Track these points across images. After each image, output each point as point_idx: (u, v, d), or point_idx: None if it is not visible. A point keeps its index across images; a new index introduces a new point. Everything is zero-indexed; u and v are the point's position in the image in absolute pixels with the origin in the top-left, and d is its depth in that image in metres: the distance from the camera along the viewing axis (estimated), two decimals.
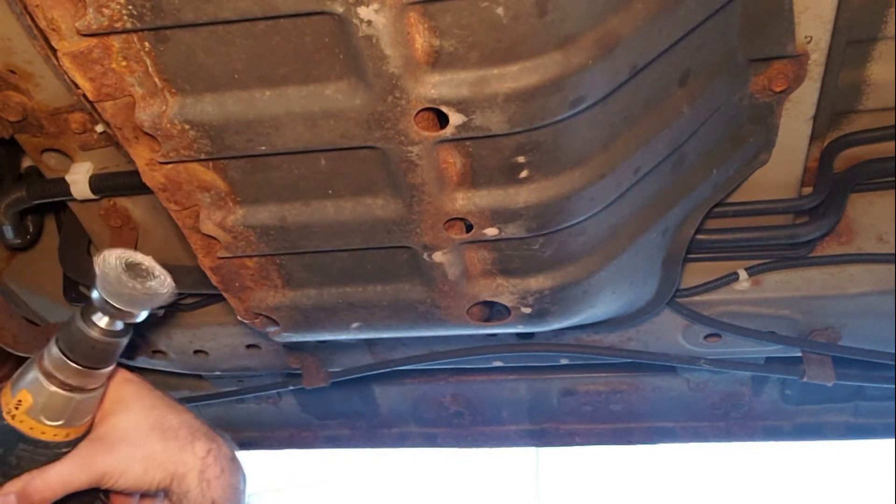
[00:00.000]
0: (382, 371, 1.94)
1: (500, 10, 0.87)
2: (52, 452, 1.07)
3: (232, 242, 1.19)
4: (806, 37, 1.24)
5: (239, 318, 1.37)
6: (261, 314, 1.36)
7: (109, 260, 0.98)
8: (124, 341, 1.05)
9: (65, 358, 1.02)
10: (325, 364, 1.97)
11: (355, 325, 1.36)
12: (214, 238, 1.19)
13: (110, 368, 1.07)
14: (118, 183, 1.56)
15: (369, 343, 1.92)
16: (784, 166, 1.45)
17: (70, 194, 1.58)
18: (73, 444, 1.09)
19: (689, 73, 1.17)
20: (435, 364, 1.88)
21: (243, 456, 1.18)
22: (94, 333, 1.01)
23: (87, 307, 1.02)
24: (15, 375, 1.07)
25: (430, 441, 2.47)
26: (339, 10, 0.87)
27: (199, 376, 2.16)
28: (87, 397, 1.06)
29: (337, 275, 1.27)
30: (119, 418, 1.11)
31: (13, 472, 1.07)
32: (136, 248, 1.81)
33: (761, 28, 1.23)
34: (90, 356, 1.03)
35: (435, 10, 0.88)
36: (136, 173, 1.13)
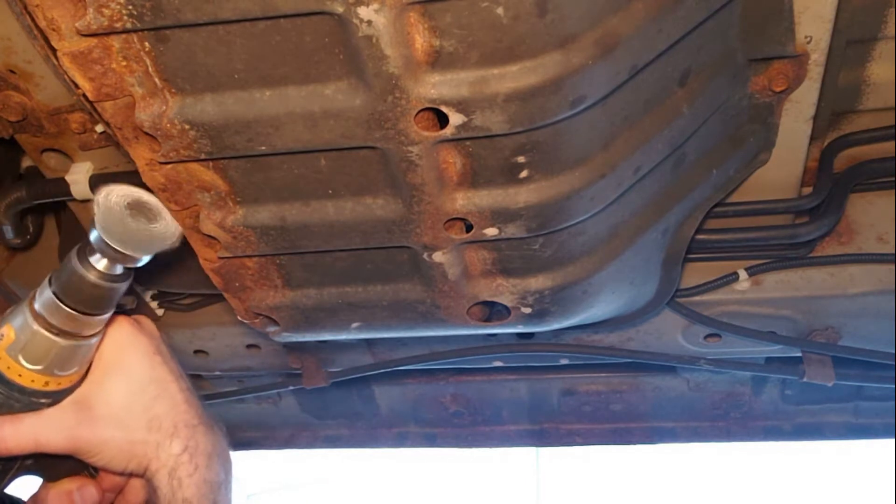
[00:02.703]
0: (382, 371, 1.94)
1: (500, 10, 0.87)
2: (28, 400, 0.99)
3: (232, 242, 1.19)
4: (806, 37, 1.24)
5: (239, 318, 1.37)
6: (261, 314, 1.36)
7: (112, 197, 0.91)
8: (123, 287, 0.97)
9: (55, 298, 0.95)
10: (325, 364, 1.97)
11: (355, 325, 1.36)
12: (214, 238, 1.19)
13: (105, 316, 0.99)
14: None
15: (369, 343, 1.92)
16: (784, 166, 1.45)
17: (70, 194, 1.58)
18: (53, 397, 1.01)
19: (689, 73, 1.17)
20: (435, 364, 1.88)
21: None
22: (91, 276, 0.93)
23: (85, 247, 0.94)
24: (8, 310, 1.00)
25: (430, 441, 2.46)
26: (339, 10, 0.87)
27: (199, 376, 2.16)
28: (76, 345, 0.98)
29: (337, 275, 1.27)
30: (113, 387, 1.05)
31: None
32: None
33: (761, 28, 1.23)
34: (83, 300, 0.95)
35: (435, 10, 0.88)
36: (136, 173, 1.13)
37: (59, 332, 0.96)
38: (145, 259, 0.95)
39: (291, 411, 2.47)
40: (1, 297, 1.83)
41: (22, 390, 0.98)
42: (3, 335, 0.97)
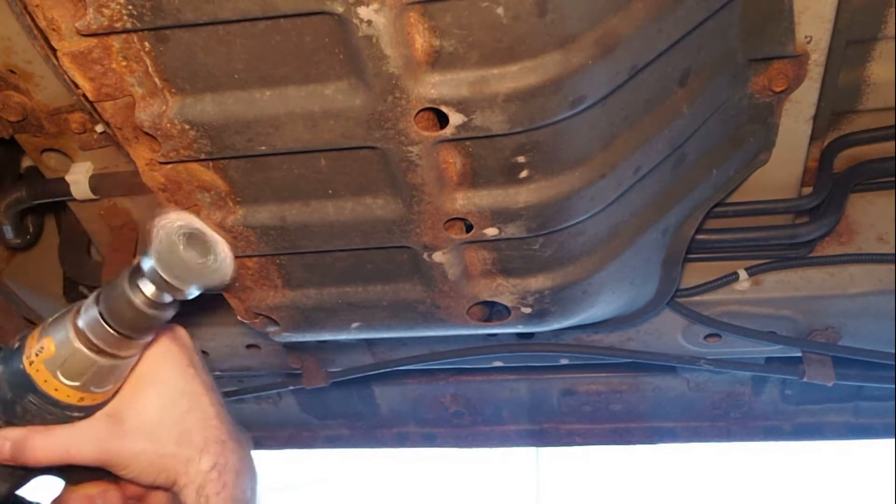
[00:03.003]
0: (382, 371, 1.94)
1: (500, 10, 0.87)
2: (61, 413, 0.99)
3: (232, 242, 1.19)
4: (806, 37, 1.24)
5: (239, 318, 1.37)
6: (261, 314, 1.35)
7: (169, 227, 0.90)
8: (168, 315, 0.96)
9: (100, 318, 0.94)
10: (325, 364, 1.97)
11: (355, 325, 1.36)
12: None
13: (146, 340, 0.99)
14: (118, 183, 1.56)
15: (369, 343, 1.92)
16: (784, 166, 1.45)
17: (70, 194, 1.58)
18: (86, 411, 1.00)
19: (689, 73, 1.17)
20: (435, 364, 1.88)
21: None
22: (138, 301, 0.92)
23: (136, 271, 0.93)
24: (50, 320, 0.99)
25: (430, 441, 2.46)
26: (339, 10, 0.87)
27: None
28: (114, 364, 0.98)
29: (337, 275, 1.27)
30: (146, 401, 1.04)
31: (16, 421, 0.99)
32: (135, 249, 1.82)
33: (761, 28, 1.23)
34: (127, 323, 0.94)
35: (435, 10, 0.88)
36: (136, 173, 1.13)
37: (100, 352, 0.96)
38: (195, 292, 0.94)
39: (291, 411, 2.47)
40: (1, 298, 1.83)
41: (56, 404, 0.98)
42: (43, 348, 0.96)
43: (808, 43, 1.25)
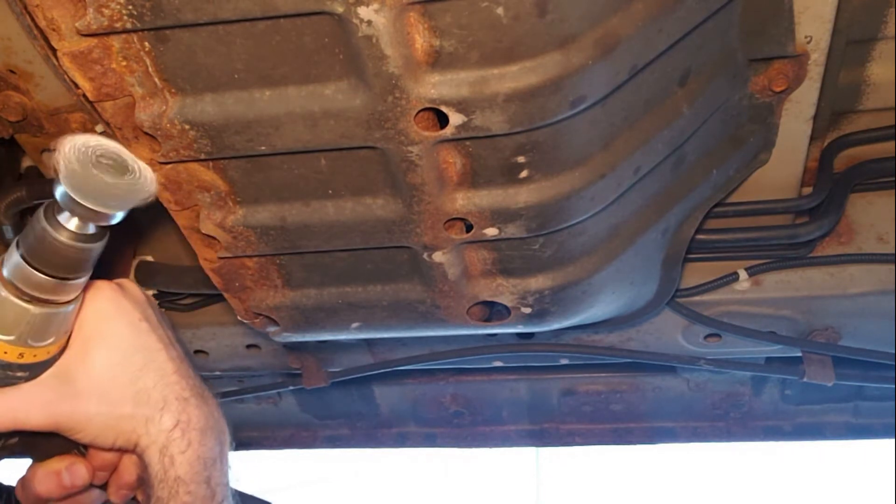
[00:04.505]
0: (382, 371, 1.94)
1: (500, 10, 0.87)
2: (2, 374, 0.92)
3: (232, 242, 1.19)
4: (806, 37, 1.24)
5: (239, 318, 1.37)
6: (261, 314, 1.36)
7: (74, 148, 0.81)
8: (98, 247, 0.88)
9: (24, 263, 0.86)
10: (325, 364, 1.97)
11: (355, 325, 1.36)
12: (214, 238, 1.19)
13: (81, 280, 0.91)
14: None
15: (369, 343, 1.92)
16: (784, 166, 1.45)
17: None
18: (30, 370, 0.94)
19: (689, 73, 1.17)
20: (435, 364, 1.88)
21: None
22: (62, 237, 0.84)
23: (52, 205, 0.85)
24: None
25: (430, 441, 2.46)
26: (339, 10, 0.87)
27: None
28: (50, 312, 0.90)
29: (337, 275, 1.27)
30: (94, 359, 0.98)
31: None
32: (135, 249, 1.82)
33: (761, 28, 1.23)
34: (56, 263, 0.86)
35: (435, 10, 0.88)
36: None
37: (31, 299, 0.88)
38: (119, 215, 0.85)
39: (291, 411, 2.47)
40: None
41: None
42: None
43: (808, 43, 1.25)
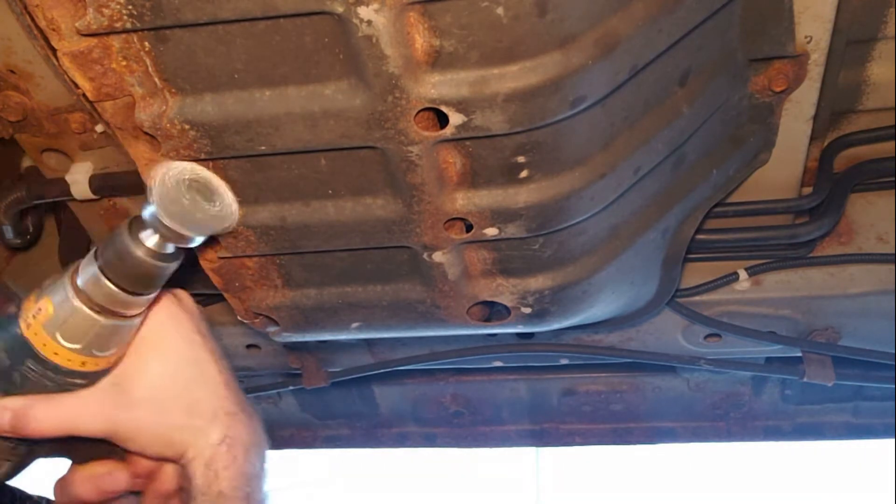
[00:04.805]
0: (382, 371, 1.94)
1: (500, 10, 0.87)
2: (62, 380, 0.93)
3: (232, 242, 1.19)
4: (806, 37, 1.24)
5: (239, 318, 1.37)
6: (261, 314, 1.35)
7: (171, 172, 0.85)
8: (173, 267, 0.91)
9: (100, 274, 0.88)
10: (325, 364, 1.97)
11: (355, 325, 1.36)
12: (214, 238, 1.19)
13: (151, 296, 0.93)
14: (118, 183, 1.56)
15: (369, 343, 1.92)
16: (784, 166, 1.45)
17: (70, 194, 1.58)
18: (88, 378, 0.95)
19: (689, 73, 1.17)
20: (435, 364, 1.88)
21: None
22: (140, 253, 0.87)
23: (136, 221, 0.88)
24: (47, 281, 0.93)
25: (430, 441, 2.47)
26: (339, 9, 0.87)
27: None
28: (116, 325, 0.92)
29: (337, 275, 1.27)
30: (151, 369, 0.99)
31: (14, 391, 0.93)
32: None
33: (761, 28, 1.23)
34: (130, 277, 0.88)
35: (435, 10, 0.88)
36: (136, 173, 1.13)
37: (102, 311, 0.90)
38: (199, 240, 0.89)
39: (291, 411, 2.47)
40: (1, 298, 1.83)
41: (56, 369, 0.92)
42: (40, 309, 0.90)
43: (808, 43, 1.25)
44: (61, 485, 1.05)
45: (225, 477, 0.99)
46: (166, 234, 0.87)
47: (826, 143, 1.57)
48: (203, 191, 0.88)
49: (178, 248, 0.90)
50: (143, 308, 0.95)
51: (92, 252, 0.90)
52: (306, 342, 1.51)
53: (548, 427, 2.39)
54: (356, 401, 2.39)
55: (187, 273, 1.73)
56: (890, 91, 1.49)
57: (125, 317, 0.92)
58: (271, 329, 1.39)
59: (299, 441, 2.54)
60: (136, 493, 1.08)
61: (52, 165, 1.60)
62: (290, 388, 2.07)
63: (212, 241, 1.21)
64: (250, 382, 2.17)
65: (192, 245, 0.90)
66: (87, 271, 0.89)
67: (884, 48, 1.43)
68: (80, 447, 1.02)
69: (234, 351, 1.95)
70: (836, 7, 1.20)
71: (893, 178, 1.58)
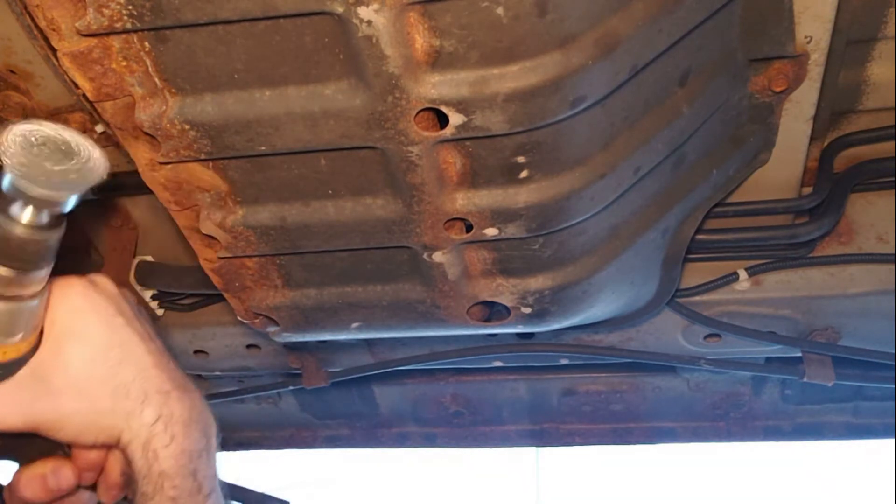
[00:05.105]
0: (382, 371, 1.94)
1: (500, 10, 0.87)
2: None
3: (232, 242, 1.19)
4: (806, 37, 1.24)
5: (239, 318, 1.37)
6: (261, 314, 1.35)
7: (15, 136, 0.79)
8: (55, 235, 0.86)
9: None
10: (325, 364, 1.97)
11: (355, 325, 1.36)
12: (214, 238, 1.19)
13: (43, 272, 0.89)
14: (118, 183, 1.56)
15: (369, 343, 1.92)
16: (784, 166, 1.45)
17: None
18: (2, 369, 0.91)
19: (689, 73, 1.17)
20: (435, 364, 1.88)
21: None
22: (17, 230, 0.82)
23: (2, 197, 0.82)
24: None
25: (430, 441, 2.47)
26: (339, 10, 0.87)
27: (200, 376, 2.16)
28: (15, 308, 0.88)
29: (337, 275, 1.27)
30: (68, 355, 0.96)
31: None
32: (135, 249, 1.81)
33: (761, 28, 1.23)
34: (13, 255, 0.84)
35: (435, 10, 0.88)
36: (136, 173, 1.13)
37: None
38: (72, 201, 0.83)
39: (291, 411, 2.47)
40: None
41: None
42: None
43: (808, 43, 1.25)
44: (9, 490, 1.04)
45: (165, 456, 0.97)
46: (34, 202, 0.81)
47: (826, 143, 1.56)
48: (57, 147, 0.81)
49: (54, 216, 0.84)
50: (40, 287, 0.90)
51: None
52: (306, 342, 1.51)
53: (548, 427, 2.39)
54: (356, 401, 2.39)
55: (191, 273, 1.73)
56: (890, 91, 1.49)
57: (21, 298, 0.88)
58: (271, 329, 1.39)
59: (299, 441, 2.54)
60: (91, 488, 1.06)
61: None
62: (290, 388, 2.07)
63: (211, 241, 1.21)
64: (250, 382, 2.17)
65: (66, 209, 0.84)
66: None
67: (884, 48, 1.43)
68: (21, 448, 0.99)
69: (234, 351, 1.95)
70: (836, 7, 1.20)
71: (893, 178, 1.58)
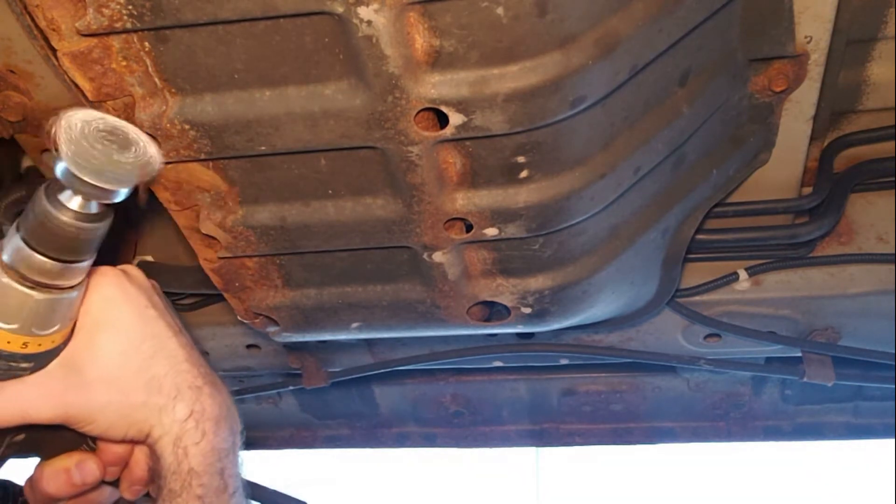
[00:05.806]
0: (382, 371, 1.94)
1: (500, 10, 0.87)
2: (6, 365, 0.87)
3: (232, 242, 1.19)
4: (806, 37, 1.24)
5: (239, 318, 1.37)
6: (261, 314, 1.35)
7: (75, 123, 0.77)
8: (103, 227, 0.83)
9: (26, 246, 0.81)
10: (325, 364, 1.97)
11: (355, 325, 1.36)
12: (214, 238, 1.19)
13: (86, 263, 0.86)
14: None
15: (369, 343, 1.92)
16: (784, 166, 1.45)
17: None
18: (36, 360, 0.89)
19: (689, 73, 1.17)
20: (435, 364, 1.88)
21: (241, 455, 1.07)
22: (64, 217, 0.80)
23: (52, 184, 0.80)
24: None
25: (430, 441, 2.47)
26: (339, 10, 0.87)
27: None
28: (54, 298, 0.85)
29: (337, 275, 1.27)
30: (102, 346, 0.93)
31: None
32: (135, 250, 1.81)
33: (761, 28, 1.23)
34: (59, 246, 0.81)
35: (435, 9, 0.88)
36: None
37: (35, 285, 0.83)
38: (123, 192, 0.81)
39: (291, 411, 2.47)
40: None
41: None
42: None
43: (808, 43, 1.25)
44: (31, 484, 1.01)
45: (195, 453, 0.95)
46: (86, 192, 0.79)
47: (826, 143, 1.57)
48: (115, 138, 0.79)
49: (103, 207, 0.83)
50: (81, 279, 0.88)
51: (14, 224, 0.84)
52: (306, 342, 1.51)
53: (548, 427, 2.39)
54: (356, 401, 2.39)
55: (191, 273, 1.73)
56: (890, 91, 1.49)
57: (61, 289, 0.86)
58: (271, 329, 1.39)
59: (299, 441, 2.54)
60: (113, 483, 1.05)
61: (52, 166, 1.60)
62: (290, 388, 2.07)
63: (211, 241, 1.21)
64: (250, 382, 2.17)
65: (118, 200, 0.81)
66: (12, 244, 0.83)
67: (884, 48, 1.43)
68: (46, 441, 0.98)
69: (234, 351, 1.95)
70: (836, 7, 1.20)
71: (893, 178, 1.58)
